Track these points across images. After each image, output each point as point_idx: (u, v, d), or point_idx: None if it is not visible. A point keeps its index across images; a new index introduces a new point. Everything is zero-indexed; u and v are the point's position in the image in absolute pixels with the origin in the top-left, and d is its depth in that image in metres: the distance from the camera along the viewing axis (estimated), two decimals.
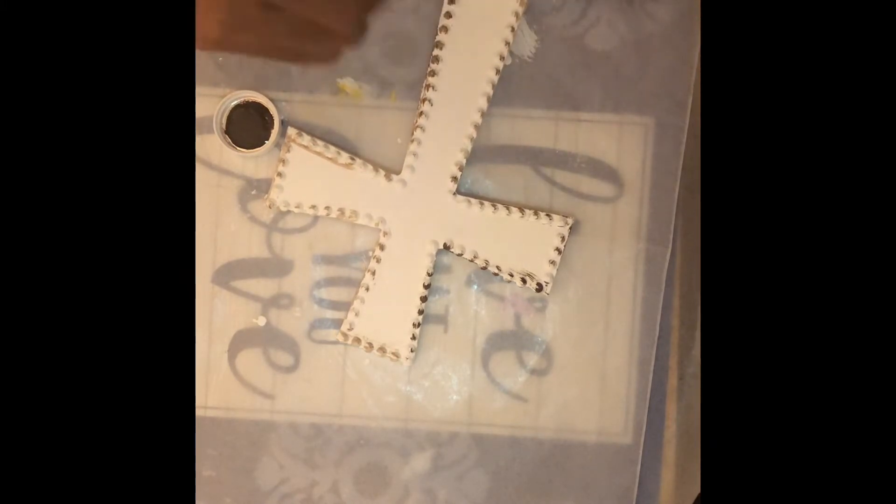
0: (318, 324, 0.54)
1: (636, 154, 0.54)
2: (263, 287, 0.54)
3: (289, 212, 0.53)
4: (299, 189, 0.53)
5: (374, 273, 0.53)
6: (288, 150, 0.53)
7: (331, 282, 0.54)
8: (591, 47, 0.53)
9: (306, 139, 0.52)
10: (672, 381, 0.55)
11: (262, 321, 0.54)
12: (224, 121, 0.53)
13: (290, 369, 0.54)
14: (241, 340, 0.54)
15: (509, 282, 0.53)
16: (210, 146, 0.53)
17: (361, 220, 0.53)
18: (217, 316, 0.54)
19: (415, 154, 0.53)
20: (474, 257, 0.53)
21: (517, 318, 0.54)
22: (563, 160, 0.54)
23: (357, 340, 0.53)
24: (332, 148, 0.53)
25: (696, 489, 0.54)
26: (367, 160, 0.53)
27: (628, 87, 0.53)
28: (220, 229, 0.54)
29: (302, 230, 0.54)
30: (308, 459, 0.54)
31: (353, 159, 0.53)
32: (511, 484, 0.54)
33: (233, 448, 0.54)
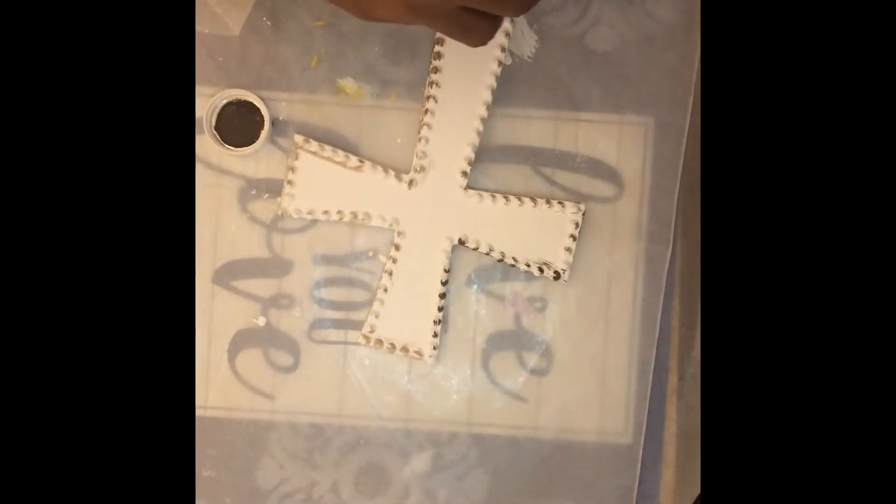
0: (318, 324, 0.54)
1: (636, 154, 0.54)
2: (263, 287, 0.54)
3: (304, 220, 0.53)
4: (310, 195, 0.53)
5: (391, 274, 0.53)
6: (296, 158, 0.53)
7: (331, 282, 0.54)
8: (591, 47, 0.53)
9: (314, 146, 0.52)
10: (672, 381, 0.55)
11: (262, 321, 0.54)
12: (214, 119, 0.53)
13: (290, 369, 0.54)
14: (241, 340, 0.54)
15: (526, 272, 0.53)
16: (210, 146, 0.53)
17: (375, 222, 0.53)
18: (217, 316, 0.54)
19: (423, 152, 0.53)
20: (490, 250, 0.53)
21: (517, 318, 0.54)
22: (563, 160, 0.54)
23: (379, 342, 0.53)
24: (341, 152, 0.53)
25: (696, 489, 0.54)
26: (374, 162, 0.53)
27: (628, 87, 0.53)
28: (220, 229, 0.54)
29: (302, 230, 0.54)
30: (308, 459, 0.54)
31: (361, 162, 0.53)
32: (511, 484, 0.54)
33: (233, 448, 0.54)
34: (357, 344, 0.54)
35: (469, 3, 0.40)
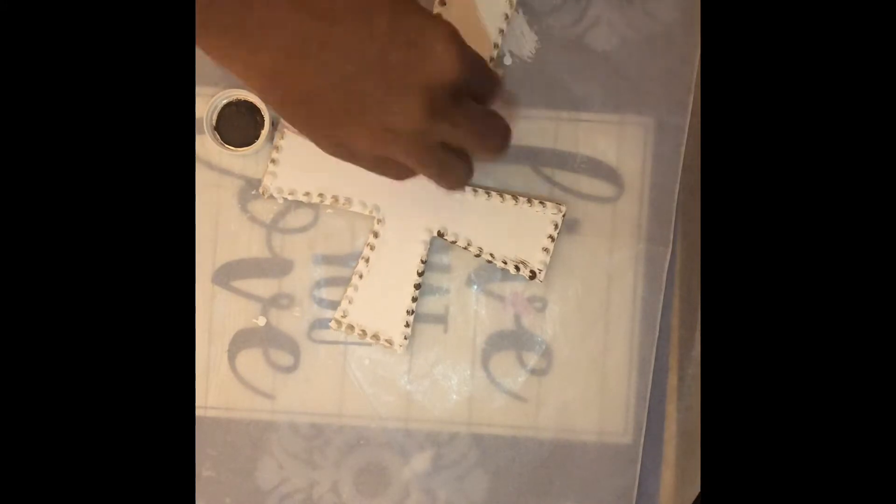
0: (318, 324, 0.54)
1: (636, 154, 0.54)
2: (263, 287, 0.54)
3: (284, 200, 0.53)
4: (293, 176, 0.53)
5: (367, 260, 0.53)
6: (282, 137, 0.53)
7: (331, 282, 0.54)
8: (591, 47, 0.53)
9: None
10: (672, 381, 0.55)
11: (262, 321, 0.54)
12: (214, 119, 0.53)
13: (290, 369, 0.54)
14: (241, 340, 0.54)
15: (503, 269, 0.53)
16: (210, 146, 0.53)
17: (355, 208, 0.53)
18: (217, 316, 0.54)
19: None
20: (468, 245, 0.53)
21: (517, 318, 0.54)
22: (563, 160, 0.54)
23: (350, 328, 0.53)
24: None
25: (696, 489, 0.54)
26: None
27: (628, 87, 0.53)
28: (220, 229, 0.54)
29: (302, 230, 0.54)
30: (308, 459, 0.54)
31: None
32: (511, 484, 0.54)
33: (233, 448, 0.54)
34: (357, 344, 0.54)
35: (450, 140, 0.42)
